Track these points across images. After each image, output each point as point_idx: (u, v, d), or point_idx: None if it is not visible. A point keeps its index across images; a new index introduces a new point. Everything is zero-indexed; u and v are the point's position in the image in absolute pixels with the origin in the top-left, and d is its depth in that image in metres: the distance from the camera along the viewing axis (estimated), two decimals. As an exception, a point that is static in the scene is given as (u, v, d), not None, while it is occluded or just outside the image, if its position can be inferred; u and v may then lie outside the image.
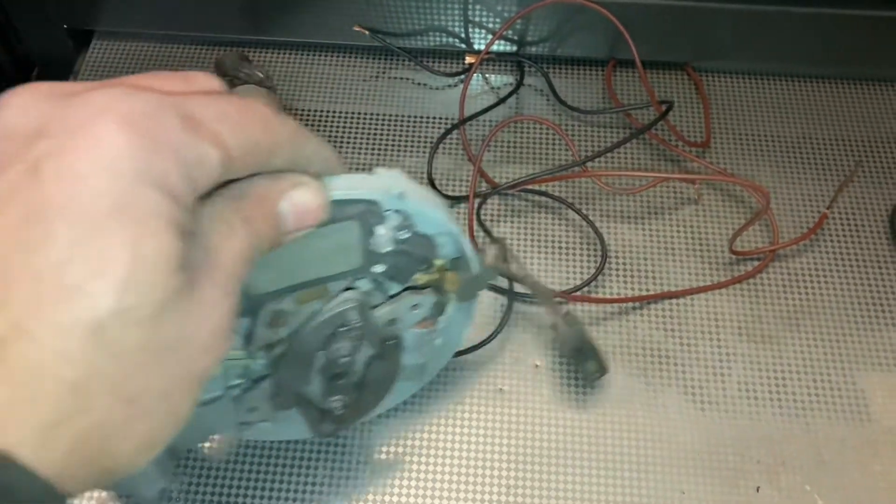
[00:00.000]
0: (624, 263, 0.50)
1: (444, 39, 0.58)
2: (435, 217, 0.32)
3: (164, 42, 0.60)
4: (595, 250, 0.51)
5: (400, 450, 0.43)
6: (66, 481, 0.20)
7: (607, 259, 0.50)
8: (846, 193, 0.53)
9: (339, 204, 0.29)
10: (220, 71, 0.53)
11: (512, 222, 0.52)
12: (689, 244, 0.51)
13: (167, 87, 0.23)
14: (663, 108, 0.53)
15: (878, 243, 0.51)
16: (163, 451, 0.23)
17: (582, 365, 0.44)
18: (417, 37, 0.58)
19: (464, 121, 0.55)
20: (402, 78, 0.59)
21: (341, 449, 0.43)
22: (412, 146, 0.55)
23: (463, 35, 0.57)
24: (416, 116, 0.57)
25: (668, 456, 0.43)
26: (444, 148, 0.55)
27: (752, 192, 0.52)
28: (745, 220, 0.52)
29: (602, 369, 0.43)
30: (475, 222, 0.51)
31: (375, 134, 0.56)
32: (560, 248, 0.51)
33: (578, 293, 0.49)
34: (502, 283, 0.48)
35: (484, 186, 0.53)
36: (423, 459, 0.43)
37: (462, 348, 0.45)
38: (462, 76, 0.58)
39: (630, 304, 0.48)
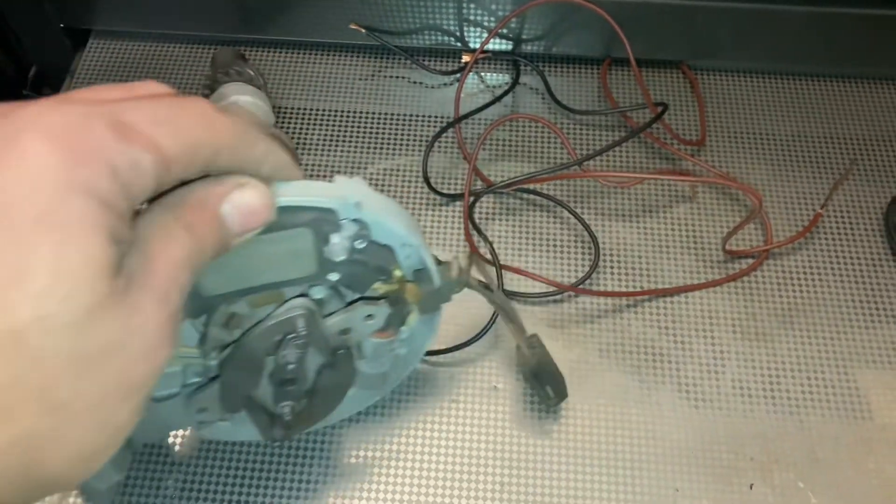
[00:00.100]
0: (618, 261, 0.50)
1: (440, 38, 0.58)
2: (393, 228, 0.32)
3: (161, 41, 0.60)
4: (589, 249, 0.51)
5: (394, 447, 0.43)
6: None
7: (601, 257, 0.50)
8: (841, 191, 0.54)
9: (291, 210, 0.28)
10: (214, 65, 0.53)
11: (507, 220, 0.52)
12: (684, 242, 0.51)
13: (103, 96, 0.23)
14: (658, 109, 0.53)
15: (873, 241, 0.51)
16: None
17: (540, 389, 0.43)
18: (413, 35, 0.58)
19: (459, 119, 0.55)
20: (397, 76, 0.59)
21: (336, 446, 0.43)
22: (407, 144, 0.56)
23: (458, 33, 0.57)
24: (411, 115, 0.57)
25: (662, 453, 0.43)
26: (439, 146, 0.55)
27: (745, 193, 0.52)
28: (740, 218, 0.52)
29: (560, 395, 0.43)
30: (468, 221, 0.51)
31: (371, 132, 0.56)
32: (554, 246, 0.51)
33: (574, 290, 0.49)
34: (495, 282, 0.48)
35: (479, 185, 0.53)
36: (417, 456, 0.43)
37: (458, 343, 0.45)
38: (458, 75, 0.58)
39: (624, 302, 0.49)
